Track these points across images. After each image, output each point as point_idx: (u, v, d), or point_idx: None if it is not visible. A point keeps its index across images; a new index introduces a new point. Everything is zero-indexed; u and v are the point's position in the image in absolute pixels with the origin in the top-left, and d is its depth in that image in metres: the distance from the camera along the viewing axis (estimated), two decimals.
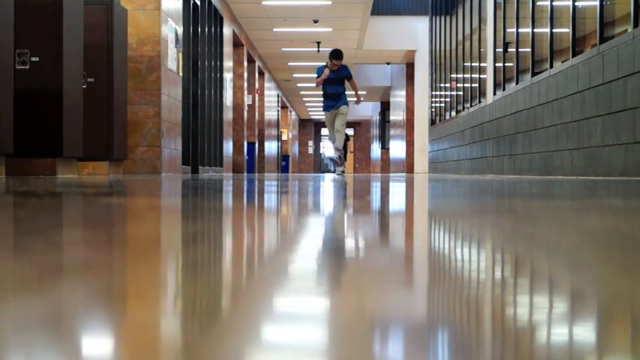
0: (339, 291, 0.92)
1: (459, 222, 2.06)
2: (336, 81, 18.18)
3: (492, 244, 1.48)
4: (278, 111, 42.87)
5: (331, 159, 18.53)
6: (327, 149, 19.71)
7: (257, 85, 30.93)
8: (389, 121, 45.66)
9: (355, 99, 18.46)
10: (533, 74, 14.53)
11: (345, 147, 39.62)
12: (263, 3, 23.16)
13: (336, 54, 17.93)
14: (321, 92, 18.42)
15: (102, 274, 1.04)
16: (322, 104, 18.48)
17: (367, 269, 1.12)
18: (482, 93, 19.63)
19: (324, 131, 69.92)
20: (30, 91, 10.49)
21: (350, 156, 72.00)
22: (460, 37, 23.03)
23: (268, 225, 1.96)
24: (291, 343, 0.65)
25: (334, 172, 18.49)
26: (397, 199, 3.66)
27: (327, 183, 7.88)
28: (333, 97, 18.26)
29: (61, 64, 10.53)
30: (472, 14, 21.22)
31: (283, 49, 30.75)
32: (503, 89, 17.17)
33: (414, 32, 30.51)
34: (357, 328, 0.70)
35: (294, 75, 38.71)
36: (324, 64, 18.23)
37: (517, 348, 0.63)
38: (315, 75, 18.22)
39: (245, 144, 27.50)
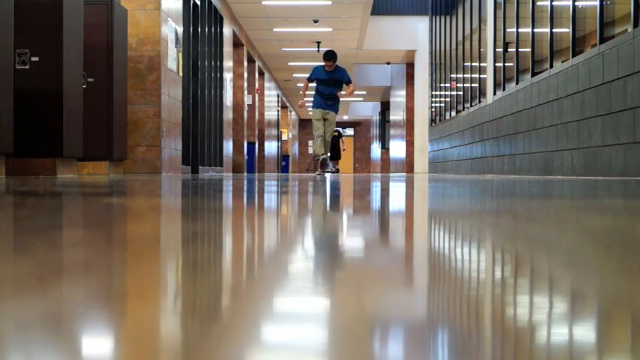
0: (338, 291, 0.92)
1: (458, 222, 2.06)
2: (330, 82, 17.93)
3: (492, 244, 1.48)
4: (278, 111, 42.87)
5: (324, 171, 18.45)
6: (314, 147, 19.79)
7: (257, 85, 30.93)
8: (389, 121, 45.68)
9: (345, 93, 18.19)
10: (533, 74, 14.53)
11: (337, 145, 38.39)
12: (263, 3, 23.17)
13: (326, 54, 17.90)
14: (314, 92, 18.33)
15: (102, 274, 1.04)
16: (312, 100, 18.28)
17: (366, 269, 1.12)
18: (482, 93, 19.63)
19: None
20: (30, 91, 10.49)
21: (350, 156, 71.93)
22: (460, 37, 23.03)
23: (268, 225, 1.96)
24: (291, 343, 0.65)
25: (325, 172, 18.69)
26: (396, 200, 3.66)
27: (327, 183, 7.89)
28: (326, 98, 18.05)
29: (61, 64, 10.53)
30: (472, 14, 21.23)
31: (283, 49, 30.75)
32: (504, 89, 17.17)
33: (414, 32, 30.52)
34: (356, 329, 0.70)
35: (294, 75, 38.71)
36: (322, 64, 18.12)
37: (517, 348, 0.63)
38: (310, 75, 18.16)
39: (245, 144, 27.50)
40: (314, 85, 18.46)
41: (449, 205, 2.98)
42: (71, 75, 10.88)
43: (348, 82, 18.06)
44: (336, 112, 18.23)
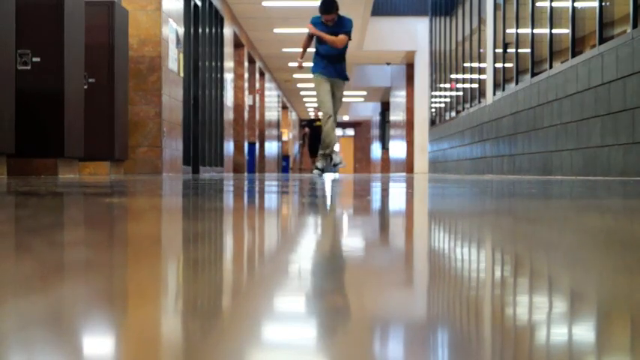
0: (338, 291, 0.93)
1: (458, 222, 2.06)
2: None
3: (492, 244, 1.49)
4: (278, 111, 42.82)
5: (322, 169, 14.18)
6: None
7: (258, 85, 30.90)
8: (389, 122, 45.62)
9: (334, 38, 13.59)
10: (533, 75, 14.52)
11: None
12: (263, 4, 23.15)
13: (326, 5, 13.42)
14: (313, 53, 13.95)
15: (103, 274, 1.05)
16: (313, 64, 13.78)
17: (367, 269, 1.12)
18: (481, 93, 19.61)
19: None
20: (31, 92, 10.49)
21: (350, 156, 71.76)
22: (460, 38, 23.01)
23: (268, 225, 1.96)
24: (291, 343, 0.66)
25: (328, 168, 14.28)
26: (396, 200, 3.66)
27: (327, 183, 7.88)
28: (331, 60, 13.70)
29: (63, 65, 10.53)
30: (472, 15, 21.21)
31: (284, 49, 30.72)
32: (503, 90, 17.16)
33: (414, 33, 30.48)
34: (356, 328, 0.71)
35: (295, 75, 38.66)
36: (319, 16, 13.83)
37: (517, 348, 0.64)
38: (307, 30, 13.75)
39: (246, 144, 27.48)
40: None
41: (449, 206, 2.99)
42: (72, 75, 10.88)
43: (346, 33, 13.56)
44: (346, 78, 13.83)
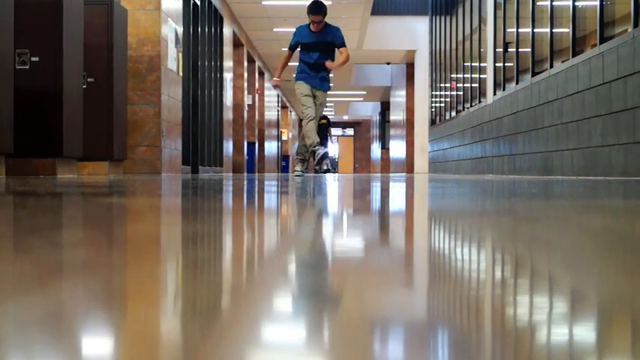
0: (338, 291, 0.92)
1: (459, 222, 2.06)
2: (318, 47, 13.12)
3: (492, 244, 1.48)
4: (278, 111, 42.89)
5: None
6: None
7: (257, 85, 30.94)
8: (389, 121, 45.70)
9: (336, 62, 13.20)
10: (534, 74, 14.53)
11: (325, 133, 29.85)
12: (263, 3, 23.18)
13: (315, 6, 12.90)
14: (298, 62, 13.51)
15: (102, 274, 1.04)
16: (296, 71, 13.49)
17: (367, 269, 1.12)
18: (482, 93, 19.63)
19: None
20: (30, 91, 10.49)
21: (350, 156, 71.86)
22: (460, 37, 23.04)
23: (268, 225, 1.96)
24: (291, 343, 0.65)
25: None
26: (396, 200, 3.66)
27: (327, 183, 7.88)
28: (312, 68, 13.30)
29: (61, 64, 10.53)
30: (472, 14, 21.23)
31: (283, 49, 30.76)
32: (504, 89, 17.17)
33: (414, 32, 30.52)
34: (356, 328, 0.71)
35: (294, 75, 38.73)
36: (307, 23, 13.33)
37: (517, 348, 0.63)
38: (291, 40, 13.35)
39: (245, 144, 27.51)
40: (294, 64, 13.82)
41: (449, 206, 2.98)
42: (71, 75, 10.88)
43: (341, 45, 13.09)
44: (327, 89, 13.41)
